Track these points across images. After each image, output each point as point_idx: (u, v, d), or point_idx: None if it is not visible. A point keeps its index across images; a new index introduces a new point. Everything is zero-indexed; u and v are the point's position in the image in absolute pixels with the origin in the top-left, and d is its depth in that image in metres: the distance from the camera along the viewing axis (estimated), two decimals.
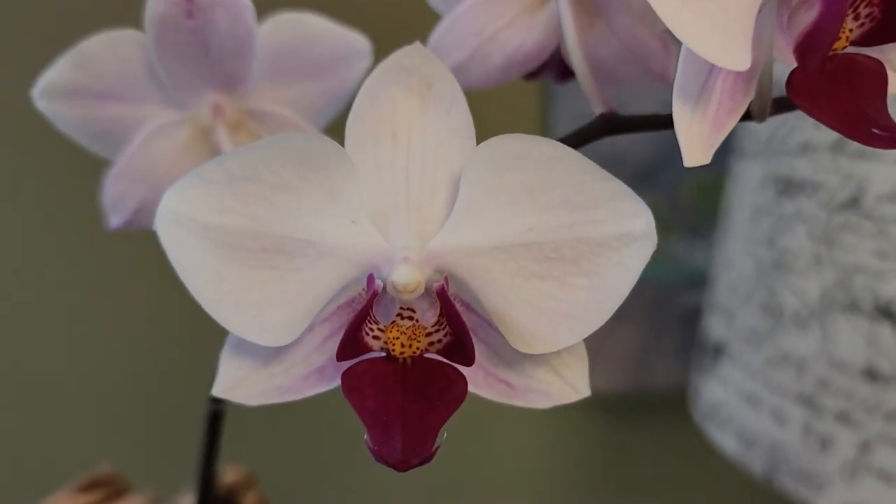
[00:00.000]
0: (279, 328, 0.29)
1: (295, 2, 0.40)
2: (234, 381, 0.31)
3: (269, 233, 0.28)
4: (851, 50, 0.28)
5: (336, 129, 0.33)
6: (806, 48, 0.28)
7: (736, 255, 0.68)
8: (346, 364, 0.29)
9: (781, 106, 0.31)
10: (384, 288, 0.29)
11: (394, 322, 0.29)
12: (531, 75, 0.40)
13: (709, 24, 0.27)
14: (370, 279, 0.29)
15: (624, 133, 0.34)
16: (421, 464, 0.27)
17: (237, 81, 0.39)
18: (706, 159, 0.28)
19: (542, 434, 0.94)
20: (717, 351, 0.70)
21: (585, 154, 0.29)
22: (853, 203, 0.55)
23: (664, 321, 0.88)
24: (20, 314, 0.81)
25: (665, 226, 0.85)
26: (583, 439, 0.94)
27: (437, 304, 0.29)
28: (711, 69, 0.28)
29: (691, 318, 0.85)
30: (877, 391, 0.54)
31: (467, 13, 0.38)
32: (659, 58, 0.38)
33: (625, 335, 0.88)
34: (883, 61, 0.29)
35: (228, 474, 0.52)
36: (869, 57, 0.28)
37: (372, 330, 0.29)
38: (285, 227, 0.28)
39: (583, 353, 0.31)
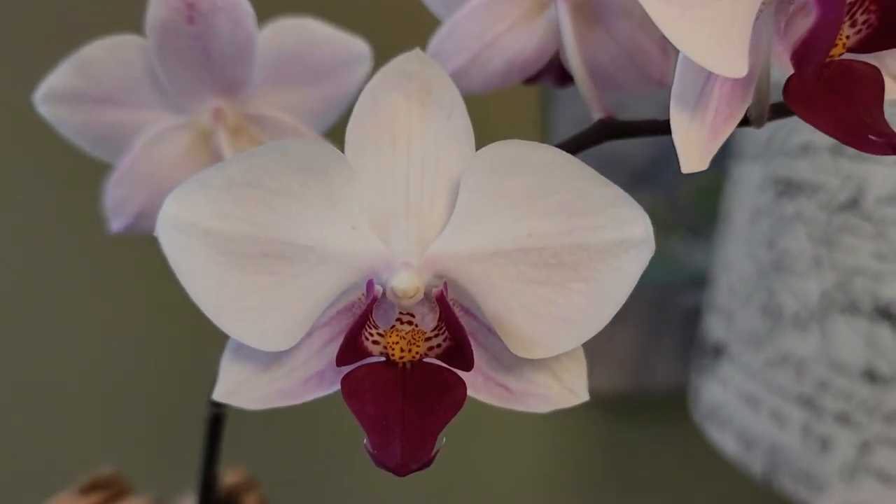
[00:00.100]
0: (279, 333, 0.29)
1: (295, 7, 0.40)
2: (235, 386, 0.31)
3: (270, 238, 0.29)
4: (848, 56, 0.29)
5: (336, 134, 0.33)
6: (803, 55, 0.28)
7: (736, 257, 0.68)
8: (346, 368, 0.29)
9: (779, 111, 0.31)
10: (384, 293, 0.29)
11: (393, 327, 0.29)
12: (531, 80, 0.40)
13: (706, 31, 0.27)
14: (370, 284, 0.29)
15: (622, 138, 0.34)
16: (420, 468, 0.27)
17: (238, 86, 0.39)
18: (703, 166, 0.28)
19: (542, 435, 0.94)
20: (717, 352, 0.70)
21: (585, 156, 0.29)
22: (853, 204, 0.55)
23: (664, 322, 0.88)
24: (20, 314, 0.81)
25: (665, 227, 0.85)
26: (583, 440, 0.94)
27: (437, 309, 0.29)
28: (709, 76, 0.28)
29: (691, 319, 0.85)
30: (876, 392, 0.54)
31: (467, 18, 0.38)
32: (658, 63, 0.38)
33: (625, 336, 0.88)
34: (880, 68, 0.29)
35: (229, 476, 0.52)
36: (866, 63, 0.29)
37: (371, 335, 0.29)
38: (286, 233, 0.29)
39: (581, 357, 0.31)
